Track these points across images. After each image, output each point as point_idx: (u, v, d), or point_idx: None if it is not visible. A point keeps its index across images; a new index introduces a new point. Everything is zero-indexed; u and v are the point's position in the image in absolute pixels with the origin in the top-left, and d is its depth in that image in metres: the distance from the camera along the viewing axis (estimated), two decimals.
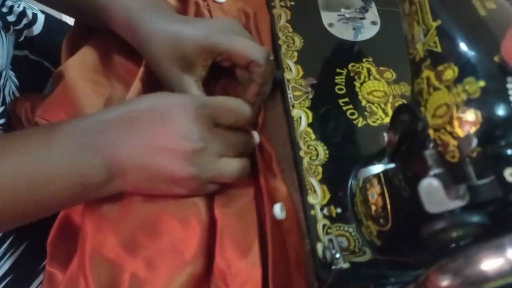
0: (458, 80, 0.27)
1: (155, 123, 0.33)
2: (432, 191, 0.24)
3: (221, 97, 0.39)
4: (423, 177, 0.26)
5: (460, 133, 0.26)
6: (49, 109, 0.43)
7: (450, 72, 0.27)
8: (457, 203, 0.24)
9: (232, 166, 0.36)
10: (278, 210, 0.37)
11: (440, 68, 0.28)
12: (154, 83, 0.42)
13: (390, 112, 0.46)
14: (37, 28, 0.62)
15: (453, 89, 0.27)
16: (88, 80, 0.43)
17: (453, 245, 0.29)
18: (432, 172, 0.25)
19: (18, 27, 0.58)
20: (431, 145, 0.28)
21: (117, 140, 0.33)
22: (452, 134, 0.27)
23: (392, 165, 0.33)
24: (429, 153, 0.26)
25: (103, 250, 0.34)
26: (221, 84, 0.45)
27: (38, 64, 0.62)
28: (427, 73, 0.29)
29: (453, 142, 0.26)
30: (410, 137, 0.31)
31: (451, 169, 0.26)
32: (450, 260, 0.25)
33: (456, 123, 0.26)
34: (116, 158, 0.33)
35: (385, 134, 0.34)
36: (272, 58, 0.42)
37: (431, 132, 0.28)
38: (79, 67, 0.43)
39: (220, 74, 0.44)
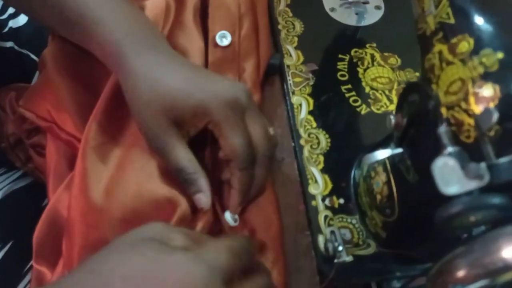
0: (474, 52, 0.25)
1: None
2: (448, 171, 0.22)
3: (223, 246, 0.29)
4: (436, 157, 0.23)
5: (476, 110, 0.24)
6: (32, 99, 0.41)
7: (465, 45, 0.25)
8: (476, 183, 0.21)
9: None
10: (228, 216, 0.34)
11: (454, 40, 0.26)
12: (114, 122, 0.36)
13: (395, 99, 0.44)
14: (23, 18, 0.59)
15: (469, 63, 0.25)
16: (67, 68, 0.40)
17: (465, 235, 0.27)
18: (447, 151, 0.23)
19: (2, 17, 0.56)
20: (444, 125, 0.26)
21: None
22: (467, 111, 0.24)
23: (399, 150, 0.31)
24: (443, 130, 0.24)
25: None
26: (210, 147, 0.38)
27: (25, 57, 0.59)
28: (439, 47, 0.27)
29: (468, 121, 0.24)
30: (419, 118, 0.29)
31: (466, 150, 0.24)
32: (467, 248, 0.22)
33: (472, 99, 0.24)
34: None
35: (391, 117, 0.31)
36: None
37: (443, 110, 0.26)
38: (58, 55, 0.40)
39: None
